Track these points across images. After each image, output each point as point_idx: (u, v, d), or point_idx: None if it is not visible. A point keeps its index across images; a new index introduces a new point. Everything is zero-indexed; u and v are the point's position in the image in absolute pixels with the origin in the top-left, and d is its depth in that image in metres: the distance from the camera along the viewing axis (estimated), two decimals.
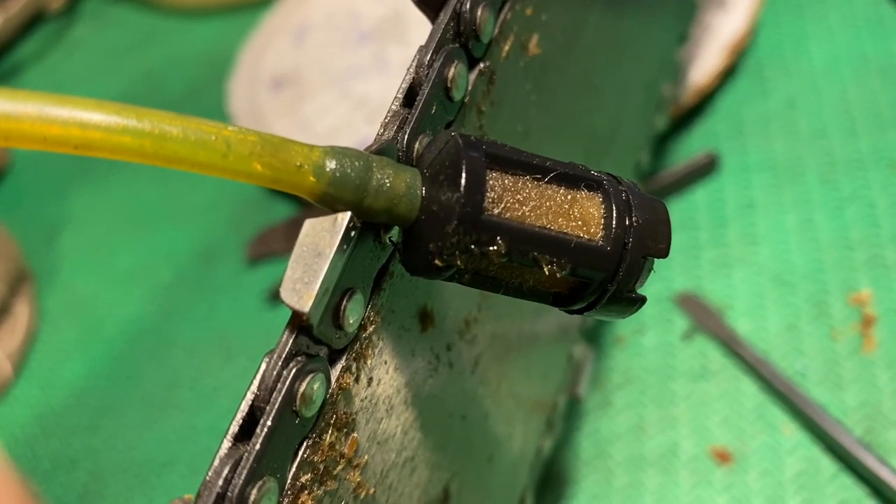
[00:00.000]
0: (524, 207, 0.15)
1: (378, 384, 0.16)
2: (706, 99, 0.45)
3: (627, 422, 0.36)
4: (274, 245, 0.48)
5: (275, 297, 0.45)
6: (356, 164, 0.14)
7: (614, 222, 0.16)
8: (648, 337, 0.38)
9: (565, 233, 0.15)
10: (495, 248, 0.14)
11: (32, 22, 0.75)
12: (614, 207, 0.16)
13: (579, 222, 0.15)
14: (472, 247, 0.14)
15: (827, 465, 0.33)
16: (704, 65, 0.42)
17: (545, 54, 0.20)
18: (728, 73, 0.45)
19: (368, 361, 0.16)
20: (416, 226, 0.15)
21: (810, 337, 0.36)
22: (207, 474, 0.13)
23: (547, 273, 0.15)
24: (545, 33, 0.20)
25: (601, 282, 0.16)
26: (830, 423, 0.33)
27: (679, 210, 0.42)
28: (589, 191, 0.16)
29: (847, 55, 0.46)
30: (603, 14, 0.23)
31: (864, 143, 0.42)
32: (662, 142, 0.44)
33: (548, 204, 0.15)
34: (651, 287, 0.41)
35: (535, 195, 0.15)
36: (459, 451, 0.20)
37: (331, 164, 0.14)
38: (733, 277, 0.39)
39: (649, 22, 0.28)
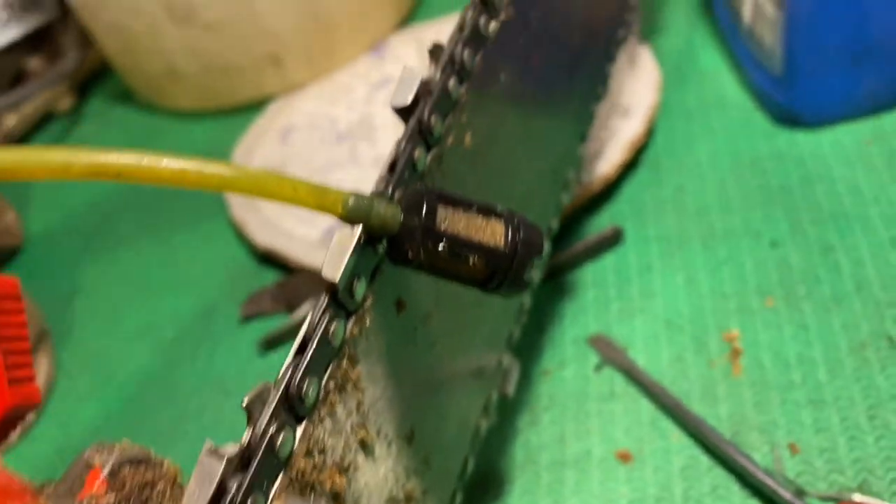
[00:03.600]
0: (458, 225, 0.25)
1: (372, 340, 0.26)
2: (613, 186, 0.56)
3: (551, 435, 0.45)
4: (264, 305, 0.57)
5: (266, 346, 0.54)
6: (364, 200, 0.25)
7: (510, 236, 0.26)
8: (569, 370, 0.48)
9: (482, 241, 0.26)
10: (442, 247, 0.25)
11: (43, 121, 0.85)
12: (510, 228, 0.26)
13: (490, 235, 0.26)
14: (429, 245, 0.25)
15: (705, 461, 0.42)
16: (610, 159, 0.54)
17: (476, 145, 0.31)
18: (630, 166, 0.57)
19: (367, 323, 0.25)
20: (398, 236, 0.25)
21: (693, 366, 0.46)
22: (279, 374, 0.22)
23: (471, 264, 0.25)
24: (476, 132, 0.31)
25: (504, 271, 0.26)
26: (707, 429, 0.42)
27: (592, 272, 0.52)
28: (496, 217, 0.26)
29: (726, 151, 0.57)
30: (516, 121, 0.34)
31: (737, 219, 0.53)
32: (579, 220, 0.55)
33: (472, 224, 0.26)
34: (571, 331, 0.51)
35: (465, 219, 0.25)
36: (421, 404, 0.29)
37: (351, 201, 0.24)
38: (635, 323, 0.49)
39: (554, 126, 0.39)
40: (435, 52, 0.29)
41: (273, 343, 0.54)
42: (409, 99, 0.27)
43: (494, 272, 0.26)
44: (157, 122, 0.81)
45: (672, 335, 0.48)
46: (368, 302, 0.25)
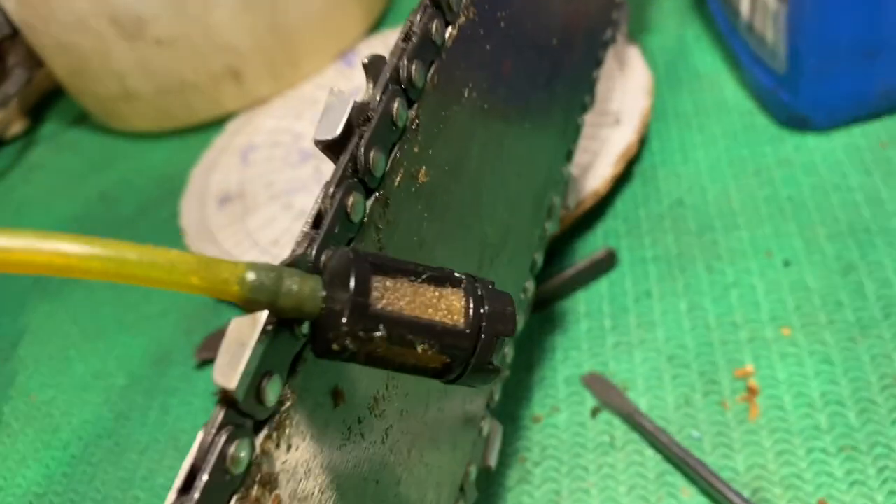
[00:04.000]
0: (401, 302, 0.19)
1: (296, 450, 0.20)
2: (606, 202, 0.51)
3: (545, 496, 0.40)
4: None
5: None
6: (270, 274, 0.19)
7: (471, 311, 0.20)
8: (562, 415, 0.42)
9: (433, 320, 0.20)
10: (379, 333, 0.19)
11: None
12: (471, 299, 0.20)
13: (445, 312, 0.20)
14: (361, 333, 0.19)
15: None
16: (600, 172, 0.48)
17: (433, 180, 0.25)
18: (624, 179, 0.51)
19: (287, 430, 0.20)
20: (320, 319, 0.19)
21: (703, 409, 0.41)
22: None
23: (420, 352, 0.20)
24: (432, 164, 0.25)
25: (464, 357, 0.20)
26: (723, 485, 0.37)
27: (585, 300, 0.47)
28: (452, 287, 0.20)
29: (727, 159, 0.52)
30: (487, 144, 0.29)
31: (744, 236, 0.48)
32: (569, 241, 0.50)
33: (420, 299, 0.20)
34: (563, 370, 0.46)
35: (410, 292, 0.20)
36: None
37: (250, 276, 0.18)
38: (634, 358, 0.44)
39: (534, 145, 0.34)
40: (373, 66, 0.23)
41: None
42: (337, 130, 0.22)
43: (453, 360, 0.20)
44: (113, 145, 0.76)
45: (677, 373, 0.42)
46: (288, 403, 0.20)
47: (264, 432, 0.19)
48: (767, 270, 0.45)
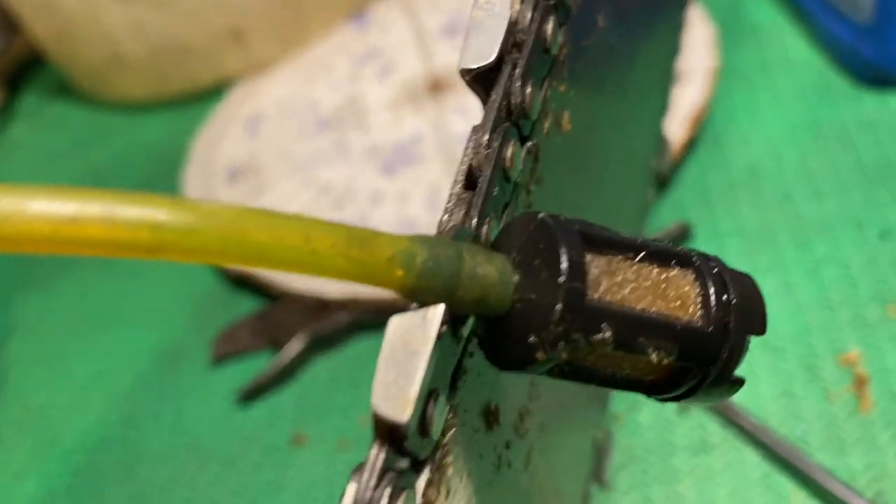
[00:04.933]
0: (623, 290, 0.14)
1: (455, 495, 0.15)
2: (672, 170, 0.45)
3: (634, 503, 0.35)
4: (241, 342, 0.46)
5: (247, 396, 0.43)
6: (448, 252, 0.13)
7: (712, 301, 0.15)
8: (644, 413, 0.37)
9: (667, 315, 0.14)
10: (602, 335, 0.13)
11: None
12: (710, 285, 0.15)
13: (677, 303, 0.15)
14: (576, 335, 0.13)
15: None
16: (671, 136, 0.43)
17: (574, 130, 0.20)
18: (689, 145, 0.46)
19: (448, 471, 0.14)
20: (509, 316, 0.14)
21: (806, 401, 0.36)
22: None
23: (654, 360, 0.14)
24: (574, 109, 0.20)
25: (704, 365, 0.15)
26: (839, 488, 0.33)
27: None
28: (681, 268, 0.15)
29: (801, 122, 0.47)
30: (613, 87, 0.23)
31: (830, 206, 0.43)
32: None
33: (645, 285, 0.14)
34: None
35: (632, 276, 0.14)
36: None
37: (422, 255, 0.13)
38: None
39: (641, 93, 0.29)
40: None
41: (256, 392, 0.43)
42: (491, 55, 0.16)
43: (687, 370, 0.15)
44: (101, 119, 0.69)
45: (773, 361, 0.38)
46: (451, 433, 0.14)
47: (425, 475, 0.14)
48: (861, 243, 0.41)
